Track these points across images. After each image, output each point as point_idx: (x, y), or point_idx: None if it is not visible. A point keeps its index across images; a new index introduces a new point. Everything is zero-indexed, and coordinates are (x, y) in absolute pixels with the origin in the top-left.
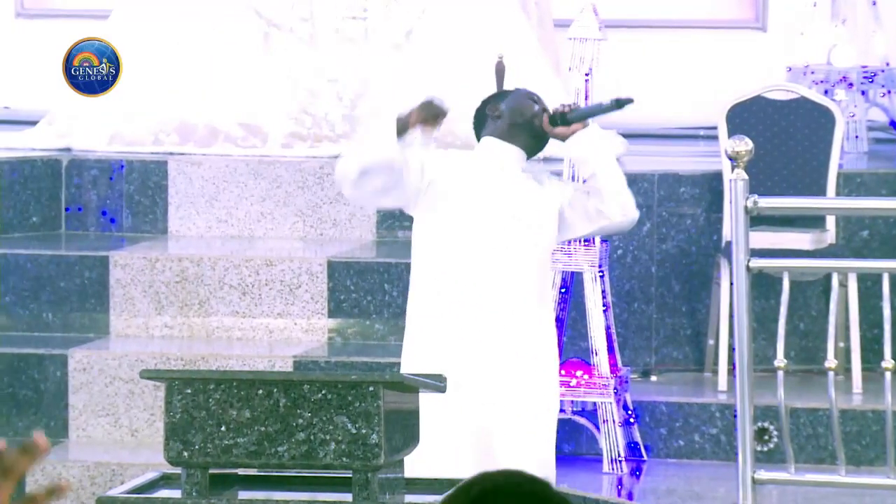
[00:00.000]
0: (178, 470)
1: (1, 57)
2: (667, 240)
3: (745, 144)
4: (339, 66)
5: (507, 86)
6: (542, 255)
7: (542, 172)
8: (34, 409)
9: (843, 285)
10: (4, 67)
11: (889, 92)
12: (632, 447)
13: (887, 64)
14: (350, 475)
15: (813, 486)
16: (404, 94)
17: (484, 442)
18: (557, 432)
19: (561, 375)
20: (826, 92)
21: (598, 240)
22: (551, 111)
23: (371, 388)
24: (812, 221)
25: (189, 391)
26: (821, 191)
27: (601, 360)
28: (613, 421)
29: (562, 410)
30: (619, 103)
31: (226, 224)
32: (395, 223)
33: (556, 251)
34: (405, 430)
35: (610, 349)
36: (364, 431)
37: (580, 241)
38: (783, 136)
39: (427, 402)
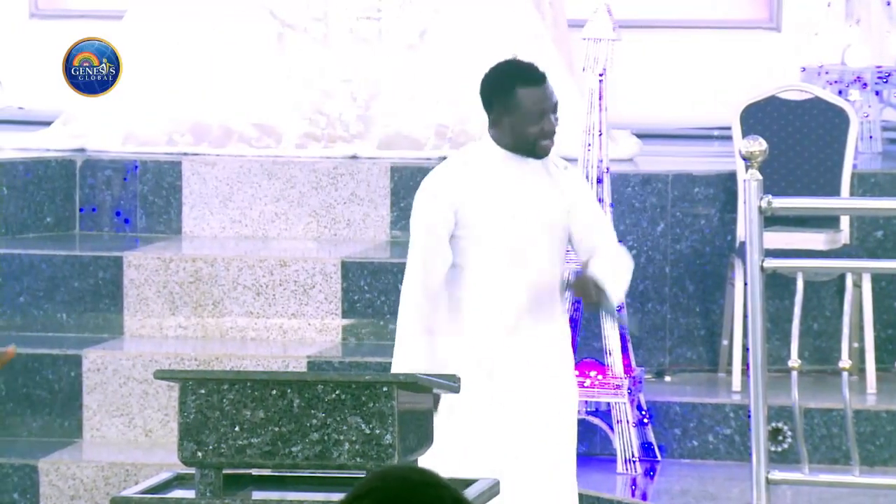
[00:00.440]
0: (191, 470)
1: (15, 57)
2: (681, 240)
3: (759, 145)
4: (353, 67)
5: None
6: (561, 248)
7: (557, 161)
8: (48, 410)
9: (858, 285)
10: (19, 68)
11: None
12: (646, 447)
13: None
14: (364, 475)
15: (827, 487)
16: (418, 95)
17: (510, 438)
18: None
19: (575, 376)
20: (840, 92)
21: None
22: (572, 281)
23: (385, 389)
24: (826, 222)
25: (203, 391)
26: (835, 191)
27: (615, 360)
28: (627, 421)
29: None
30: (627, 329)
31: (240, 224)
32: (408, 224)
33: (569, 250)
34: (419, 430)
35: (624, 349)
36: (378, 432)
37: None
38: (797, 137)
39: (457, 400)
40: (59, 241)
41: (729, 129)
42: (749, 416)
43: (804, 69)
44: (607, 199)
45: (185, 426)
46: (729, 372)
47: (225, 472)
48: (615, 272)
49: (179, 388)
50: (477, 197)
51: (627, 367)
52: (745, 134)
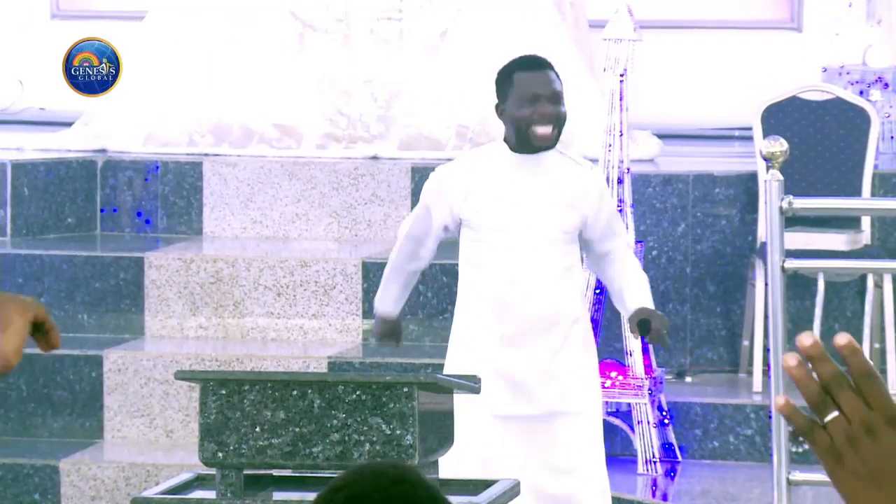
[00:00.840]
0: (212, 471)
1: (37, 58)
2: (702, 240)
3: (779, 145)
4: (373, 67)
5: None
6: (569, 252)
7: (574, 155)
8: (69, 410)
9: (879, 286)
10: (40, 69)
11: None
12: (666, 448)
13: None
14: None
15: None
16: (438, 96)
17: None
18: None
19: (596, 377)
20: (861, 92)
21: (632, 240)
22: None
23: (405, 389)
24: (847, 222)
25: (224, 392)
26: (856, 191)
27: (636, 360)
28: (648, 422)
29: None
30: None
31: (260, 225)
32: None
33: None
34: (439, 430)
35: (644, 350)
36: (398, 432)
37: None
38: (818, 137)
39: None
40: (80, 242)
41: (750, 129)
42: (770, 417)
43: (825, 69)
44: (628, 200)
45: (206, 427)
46: (750, 373)
47: (245, 472)
48: (648, 293)
49: (200, 389)
50: (477, 197)
51: (648, 368)
52: (765, 134)
